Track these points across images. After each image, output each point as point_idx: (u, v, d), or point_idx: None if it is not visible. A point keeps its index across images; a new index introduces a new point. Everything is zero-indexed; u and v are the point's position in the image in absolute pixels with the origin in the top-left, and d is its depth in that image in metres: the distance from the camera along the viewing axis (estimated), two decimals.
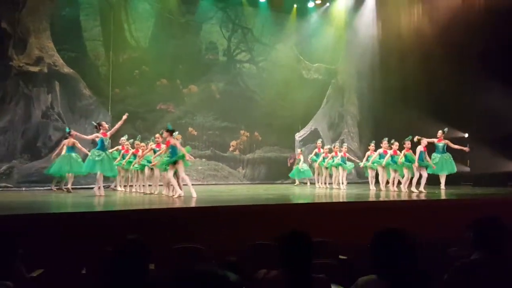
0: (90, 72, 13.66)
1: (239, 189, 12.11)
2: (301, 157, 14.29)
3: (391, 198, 8.73)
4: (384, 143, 11.23)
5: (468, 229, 2.77)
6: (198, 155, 14.56)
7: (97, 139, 9.18)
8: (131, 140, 11.32)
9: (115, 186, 11.68)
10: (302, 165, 14.06)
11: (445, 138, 10.93)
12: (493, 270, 2.56)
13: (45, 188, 10.52)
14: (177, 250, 4.12)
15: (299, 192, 11.42)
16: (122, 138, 11.29)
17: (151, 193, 10.10)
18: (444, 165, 10.74)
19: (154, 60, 14.61)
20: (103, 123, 9.48)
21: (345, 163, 12.32)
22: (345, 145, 13.39)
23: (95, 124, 9.61)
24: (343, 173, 12.37)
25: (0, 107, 12.18)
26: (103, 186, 9.58)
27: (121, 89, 14.17)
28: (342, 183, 12.24)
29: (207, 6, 15.65)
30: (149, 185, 10.59)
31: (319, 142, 13.79)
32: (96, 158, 8.90)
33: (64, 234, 4.94)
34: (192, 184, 9.23)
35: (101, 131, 9.20)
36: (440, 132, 10.96)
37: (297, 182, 14.54)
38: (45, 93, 12.88)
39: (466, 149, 10.84)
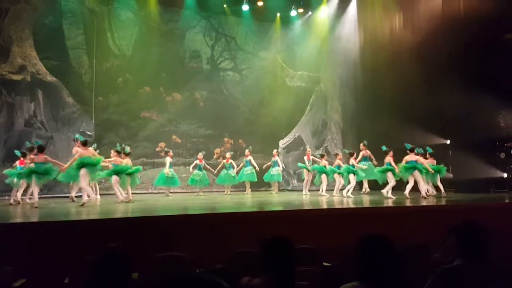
0: (73, 80, 13.54)
1: (222, 197, 12.06)
2: (277, 158, 13.89)
3: (374, 205, 8.77)
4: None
5: (450, 235, 2.77)
6: (182, 163, 14.52)
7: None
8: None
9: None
10: (276, 169, 13.76)
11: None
12: (475, 276, 2.55)
13: (28, 196, 10.32)
14: (160, 259, 4.07)
15: (283, 199, 11.39)
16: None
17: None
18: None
19: (137, 68, 14.56)
20: None
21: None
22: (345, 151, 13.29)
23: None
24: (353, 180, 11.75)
25: None
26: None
27: (105, 97, 14.06)
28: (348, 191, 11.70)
29: (190, 14, 15.65)
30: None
31: (308, 149, 13.76)
32: None
33: (45, 243, 4.85)
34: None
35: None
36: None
37: (276, 190, 14.08)
38: (28, 102, 12.74)
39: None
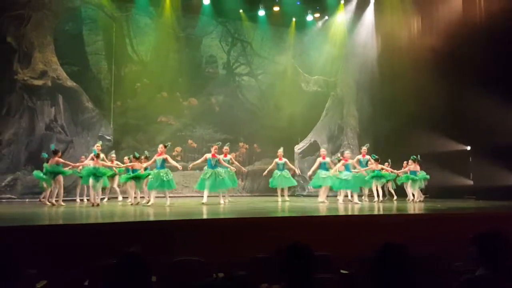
0: (92, 86, 13.74)
1: (238, 201, 12.04)
2: (284, 160, 12.20)
3: (394, 212, 8.67)
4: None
5: (472, 244, 2.71)
6: (198, 167, 14.54)
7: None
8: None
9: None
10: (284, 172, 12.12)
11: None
12: (499, 286, 2.50)
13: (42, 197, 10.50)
14: (178, 263, 4.07)
15: (300, 204, 11.33)
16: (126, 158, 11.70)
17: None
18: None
19: (155, 74, 14.73)
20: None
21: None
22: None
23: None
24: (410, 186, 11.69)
25: (5, 120, 12.27)
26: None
27: (123, 102, 14.23)
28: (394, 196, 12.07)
29: (207, 20, 15.77)
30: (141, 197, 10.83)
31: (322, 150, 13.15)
32: None
33: (66, 245, 4.90)
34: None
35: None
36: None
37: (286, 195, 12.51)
38: (49, 106, 12.95)
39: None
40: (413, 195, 11.47)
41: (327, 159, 11.74)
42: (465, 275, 2.61)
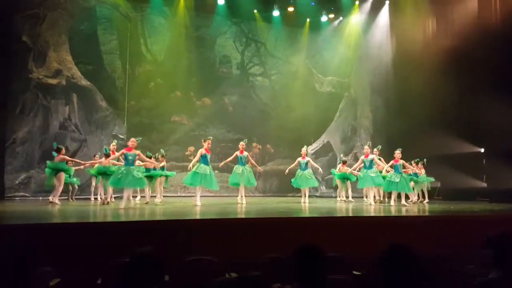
0: (106, 85, 13.86)
1: (251, 202, 12.05)
2: (307, 159, 11.80)
3: (405, 213, 8.62)
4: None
5: (486, 246, 2.70)
6: (212, 167, 14.59)
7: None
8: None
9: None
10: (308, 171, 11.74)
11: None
12: None
13: (61, 198, 10.57)
14: (190, 262, 4.10)
15: (312, 205, 11.29)
16: None
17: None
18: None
19: (169, 73, 14.82)
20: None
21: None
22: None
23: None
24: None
25: (19, 119, 12.40)
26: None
27: (137, 101, 14.34)
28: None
29: (221, 20, 15.82)
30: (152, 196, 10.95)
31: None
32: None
33: (79, 244, 4.96)
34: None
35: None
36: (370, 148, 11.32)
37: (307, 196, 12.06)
38: (63, 105, 13.08)
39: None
40: (419, 196, 11.42)
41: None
42: (478, 278, 2.60)
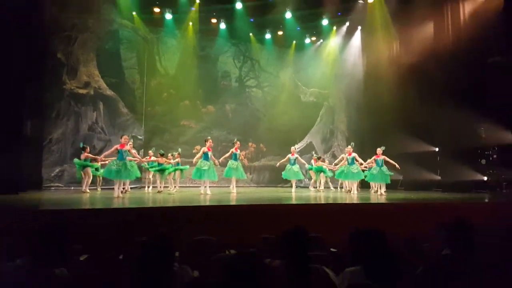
0: (127, 94, 13.81)
1: (247, 191, 12.06)
2: (296, 156, 12.01)
3: (374, 201, 8.65)
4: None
5: (441, 228, 2.72)
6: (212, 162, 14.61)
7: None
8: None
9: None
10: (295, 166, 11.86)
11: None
12: (461, 264, 2.51)
13: (91, 188, 10.55)
14: (197, 241, 4.10)
15: (297, 194, 11.30)
16: (150, 151, 11.63)
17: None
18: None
19: (179, 85, 14.80)
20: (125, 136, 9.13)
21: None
22: None
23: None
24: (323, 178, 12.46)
25: (54, 122, 12.34)
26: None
27: (152, 108, 14.31)
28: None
29: (222, 42, 15.81)
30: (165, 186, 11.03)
31: (314, 155, 12.98)
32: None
33: (104, 225, 4.95)
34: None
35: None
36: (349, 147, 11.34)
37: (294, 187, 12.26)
38: (91, 111, 13.02)
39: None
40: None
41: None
42: (432, 254, 2.62)
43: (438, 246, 2.86)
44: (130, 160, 9.45)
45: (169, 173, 10.95)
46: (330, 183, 13.27)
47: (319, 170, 12.28)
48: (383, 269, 2.22)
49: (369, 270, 2.24)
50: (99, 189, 10.90)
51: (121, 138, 8.97)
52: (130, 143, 10.38)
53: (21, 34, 9.12)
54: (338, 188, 13.33)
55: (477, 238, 2.60)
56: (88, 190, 9.78)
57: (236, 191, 10.64)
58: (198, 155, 9.91)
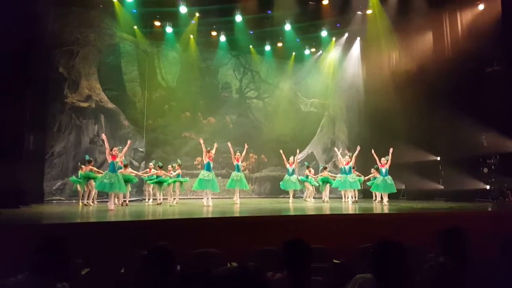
0: (128, 107, 13.85)
1: (248, 202, 12.01)
2: (294, 166, 12.09)
3: (376, 211, 8.60)
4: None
5: (437, 237, 2.73)
6: (215, 174, 14.55)
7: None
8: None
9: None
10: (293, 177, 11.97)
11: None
12: (456, 271, 2.51)
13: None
14: (198, 254, 4.08)
15: (297, 205, 11.24)
16: (150, 164, 11.74)
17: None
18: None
19: (180, 97, 14.83)
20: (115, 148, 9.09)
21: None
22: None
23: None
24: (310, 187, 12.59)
25: (56, 135, 12.37)
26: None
27: (153, 120, 14.33)
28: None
29: (223, 53, 15.90)
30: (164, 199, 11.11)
31: (308, 166, 13.01)
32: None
33: (106, 239, 4.92)
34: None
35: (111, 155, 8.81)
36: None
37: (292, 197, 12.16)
38: (93, 124, 13.05)
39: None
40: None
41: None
42: (429, 262, 2.62)
43: (438, 255, 2.86)
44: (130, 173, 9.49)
45: (168, 185, 10.93)
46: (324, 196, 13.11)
47: (325, 181, 12.29)
48: (397, 280, 2.21)
49: (383, 279, 2.22)
50: (95, 202, 10.84)
51: (111, 150, 8.83)
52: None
53: (23, 48, 9.21)
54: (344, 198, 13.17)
55: (477, 247, 2.61)
56: (91, 203, 9.81)
57: (244, 202, 10.62)
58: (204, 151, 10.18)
